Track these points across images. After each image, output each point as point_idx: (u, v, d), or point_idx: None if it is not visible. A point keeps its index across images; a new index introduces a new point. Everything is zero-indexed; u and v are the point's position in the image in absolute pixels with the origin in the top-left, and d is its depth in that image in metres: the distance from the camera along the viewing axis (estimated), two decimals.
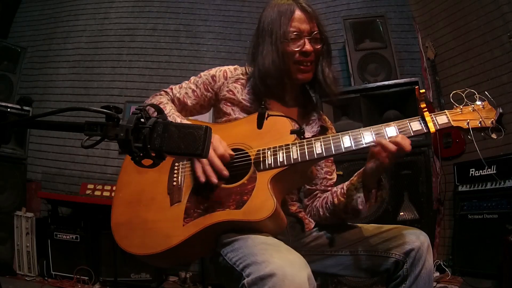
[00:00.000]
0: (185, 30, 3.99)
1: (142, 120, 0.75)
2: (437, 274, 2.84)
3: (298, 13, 1.26)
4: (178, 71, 3.82)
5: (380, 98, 2.81)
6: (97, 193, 3.14)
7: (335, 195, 1.27)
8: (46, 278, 2.81)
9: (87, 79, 3.87)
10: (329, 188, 1.38)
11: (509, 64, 2.89)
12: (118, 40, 3.96)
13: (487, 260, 2.45)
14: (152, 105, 0.89)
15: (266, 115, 1.13)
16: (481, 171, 2.67)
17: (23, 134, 3.26)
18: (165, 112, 1.23)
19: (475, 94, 1.08)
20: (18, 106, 3.17)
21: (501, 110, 1.05)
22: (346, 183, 1.25)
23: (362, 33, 3.21)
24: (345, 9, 3.83)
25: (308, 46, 1.25)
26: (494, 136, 1.05)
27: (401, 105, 2.75)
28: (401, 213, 2.59)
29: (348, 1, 3.86)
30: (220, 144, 1.14)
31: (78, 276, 2.75)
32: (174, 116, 1.25)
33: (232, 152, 1.14)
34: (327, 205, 1.29)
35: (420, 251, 1.12)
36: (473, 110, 1.07)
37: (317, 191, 1.39)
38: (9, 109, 3.10)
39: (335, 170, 1.43)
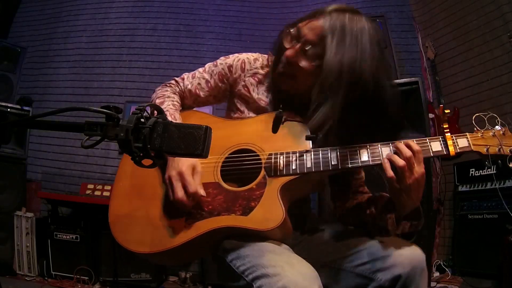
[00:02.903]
0: (185, 30, 3.99)
1: (142, 120, 0.76)
2: (437, 274, 2.84)
3: (315, 20, 1.11)
4: (178, 71, 3.77)
5: None
6: (97, 193, 3.14)
7: (370, 204, 1.17)
8: (46, 278, 2.81)
9: (87, 79, 3.87)
10: (360, 189, 1.29)
11: (509, 64, 2.89)
12: (118, 40, 3.96)
13: (487, 260, 2.45)
14: (152, 105, 0.88)
15: (283, 120, 1.06)
16: (481, 171, 2.67)
17: (23, 134, 3.25)
18: (162, 107, 1.18)
19: (497, 118, 1.04)
20: (18, 106, 3.17)
21: None
22: (384, 198, 1.15)
23: None
24: None
25: (290, 51, 1.12)
26: (511, 165, 0.99)
27: (401, 105, 2.75)
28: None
29: (348, 1, 3.85)
30: (191, 180, 1.06)
31: (78, 276, 2.75)
32: (166, 113, 1.17)
33: (203, 193, 1.06)
34: (360, 212, 1.20)
35: (410, 278, 0.98)
36: (493, 135, 1.02)
37: (348, 193, 1.29)
38: (9, 109, 3.10)
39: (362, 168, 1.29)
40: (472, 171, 2.74)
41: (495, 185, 2.54)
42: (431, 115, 3.19)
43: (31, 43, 3.98)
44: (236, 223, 1.02)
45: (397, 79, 2.91)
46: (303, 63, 1.10)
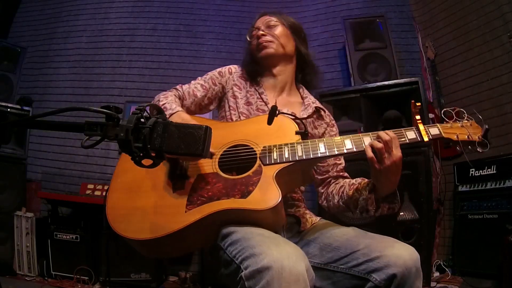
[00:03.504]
0: (185, 30, 3.99)
1: (142, 120, 0.76)
2: (437, 274, 2.84)
3: (258, 19, 1.57)
4: (178, 71, 3.82)
5: (380, 98, 2.81)
6: (97, 193, 3.14)
7: (352, 187, 1.29)
8: (46, 278, 2.80)
9: (87, 79, 3.87)
10: (341, 173, 1.44)
11: (509, 64, 2.89)
12: (118, 40, 3.96)
13: (487, 260, 2.45)
14: (152, 105, 0.89)
15: (277, 112, 1.18)
16: (481, 171, 2.67)
17: (23, 134, 3.26)
18: (167, 100, 1.33)
19: (464, 113, 1.21)
20: (18, 106, 3.16)
21: (486, 126, 1.16)
22: (365, 181, 1.28)
23: (362, 33, 3.21)
24: (345, 9, 3.82)
25: (258, 32, 1.49)
26: (479, 149, 1.15)
27: (401, 105, 2.75)
28: (401, 213, 2.58)
29: (348, 1, 3.86)
30: None
31: (78, 276, 2.75)
32: (172, 103, 1.31)
33: (214, 151, 1.21)
34: (343, 194, 1.31)
35: (404, 278, 1.00)
36: (461, 126, 1.19)
37: (330, 178, 1.43)
38: (9, 109, 3.10)
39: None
40: (472, 171, 2.74)
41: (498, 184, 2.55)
42: (431, 115, 3.19)
43: (31, 43, 3.97)
44: (236, 205, 1.07)
45: (397, 79, 2.93)
46: (265, 32, 1.49)
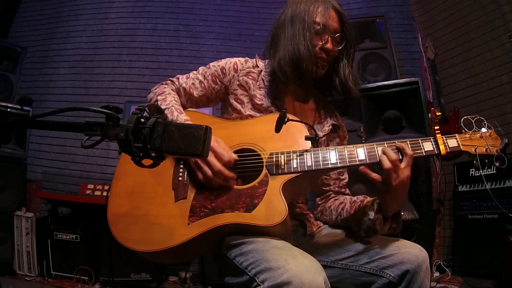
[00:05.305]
0: (185, 30, 3.99)
1: (142, 120, 0.76)
2: (437, 274, 2.84)
3: (330, 10, 1.27)
4: (178, 71, 3.74)
5: (380, 98, 2.80)
6: (97, 193, 3.14)
7: (353, 205, 1.23)
8: (46, 278, 2.81)
9: (87, 79, 3.87)
10: (342, 189, 1.37)
11: (509, 64, 2.89)
12: (118, 40, 3.97)
13: (487, 260, 2.45)
14: (152, 105, 0.88)
15: (286, 119, 1.09)
16: (481, 171, 2.67)
17: (23, 134, 3.25)
18: (165, 102, 1.22)
19: (484, 121, 1.12)
20: (18, 106, 3.16)
21: (506, 141, 1.09)
22: (368, 200, 1.22)
23: (362, 33, 3.21)
24: (345, 9, 3.72)
25: (329, 45, 1.23)
26: (497, 164, 1.08)
27: (401, 105, 2.75)
28: (401, 213, 2.59)
29: (348, 1, 3.86)
30: (223, 150, 1.10)
31: (78, 276, 2.75)
32: (172, 109, 1.20)
33: (235, 156, 1.11)
34: (342, 212, 1.26)
35: (416, 275, 1.04)
36: (480, 137, 1.10)
37: (330, 192, 1.37)
38: (9, 109, 3.10)
39: (347, 170, 1.38)
40: (472, 171, 2.75)
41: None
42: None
43: (31, 43, 3.97)
44: (240, 220, 1.04)
45: (397, 79, 2.92)
46: (336, 49, 1.25)
